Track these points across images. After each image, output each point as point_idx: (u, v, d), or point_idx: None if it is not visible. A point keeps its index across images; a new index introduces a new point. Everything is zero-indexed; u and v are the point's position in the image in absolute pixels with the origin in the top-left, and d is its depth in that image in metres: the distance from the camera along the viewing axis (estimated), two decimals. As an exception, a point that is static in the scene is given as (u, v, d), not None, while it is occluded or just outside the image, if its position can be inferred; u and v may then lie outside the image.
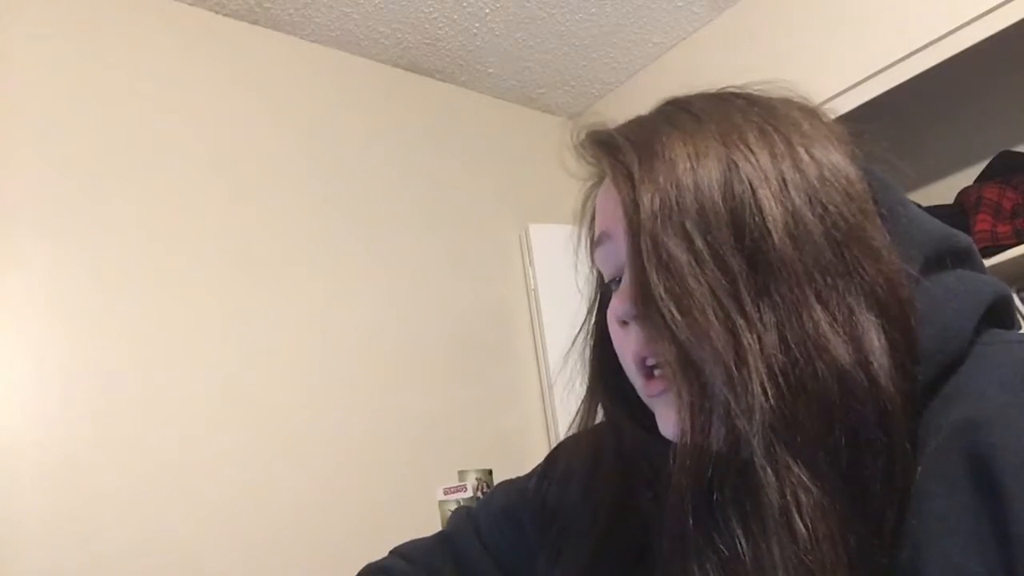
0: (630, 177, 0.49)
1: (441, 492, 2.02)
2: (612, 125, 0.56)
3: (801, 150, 0.49)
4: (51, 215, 1.65)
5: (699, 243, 0.46)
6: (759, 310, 0.45)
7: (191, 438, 1.69)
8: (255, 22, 2.10)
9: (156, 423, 1.66)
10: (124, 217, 1.75)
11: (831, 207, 0.46)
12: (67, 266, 1.65)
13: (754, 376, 0.43)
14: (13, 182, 1.63)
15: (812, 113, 0.53)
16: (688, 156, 0.48)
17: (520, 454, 2.17)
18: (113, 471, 1.58)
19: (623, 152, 0.51)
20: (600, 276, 0.59)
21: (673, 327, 0.46)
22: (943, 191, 2.14)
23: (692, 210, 0.46)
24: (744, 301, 0.45)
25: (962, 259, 0.50)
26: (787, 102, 0.53)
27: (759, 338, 0.44)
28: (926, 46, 1.85)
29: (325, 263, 2.04)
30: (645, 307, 0.48)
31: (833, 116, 0.56)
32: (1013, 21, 1.70)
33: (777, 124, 0.50)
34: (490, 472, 2.11)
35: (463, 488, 2.04)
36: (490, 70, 2.46)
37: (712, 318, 0.45)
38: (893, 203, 0.51)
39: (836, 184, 0.48)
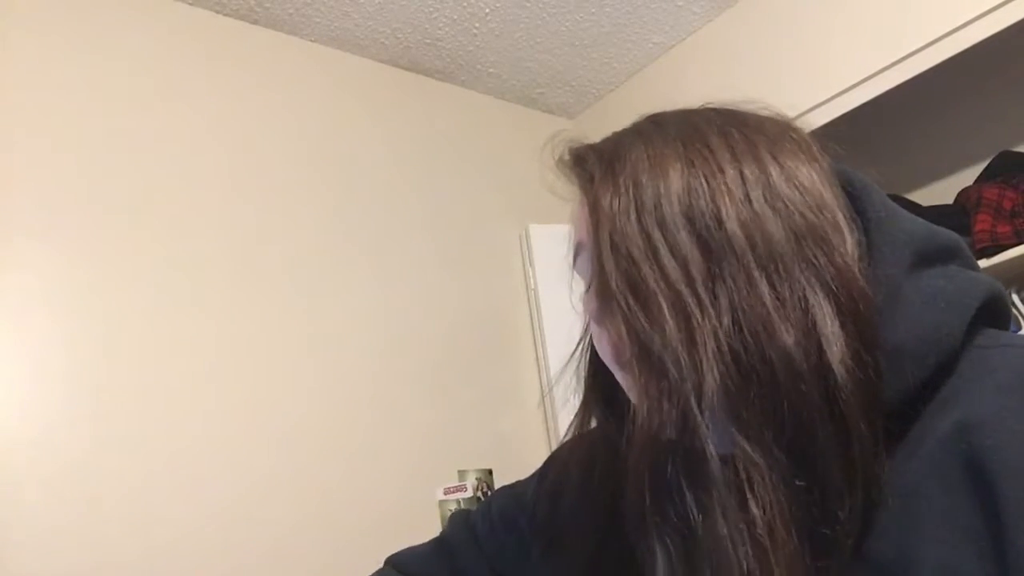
0: (591, 181, 0.52)
1: (441, 492, 2.02)
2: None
3: (763, 150, 0.50)
4: (51, 215, 1.65)
5: (655, 235, 0.48)
6: (714, 295, 0.46)
7: (190, 439, 1.69)
8: (255, 22, 2.10)
9: (156, 424, 1.66)
10: (124, 217, 1.74)
11: (788, 203, 0.48)
12: (67, 266, 1.65)
13: (703, 358, 0.45)
14: (13, 182, 1.63)
15: (780, 121, 0.55)
16: (648, 157, 0.51)
17: (520, 454, 2.17)
18: (113, 472, 1.58)
19: (588, 162, 0.54)
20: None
21: (628, 315, 0.48)
22: (943, 191, 2.14)
23: (649, 205, 0.49)
24: (697, 287, 0.47)
25: (951, 255, 0.50)
26: (756, 112, 0.55)
27: (711, 322, 0.46)
28: (927, 45, 1.85)
29: (325, 263, 2.04)
30: (605, 300, 0.50)
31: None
32: (1013, 21, 1.70)
33: (740, 126, 0.52)
34: (490, 472, 2.11)
35: (463, 488, 2.04)
36: (490, 70, 2.46)
37: (664, 304, 0.47)
38: (874, 205, 0.51)
39: (795, 182, 0.49)
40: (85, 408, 1.59)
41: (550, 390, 2.29)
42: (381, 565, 0.74)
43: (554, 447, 2.34)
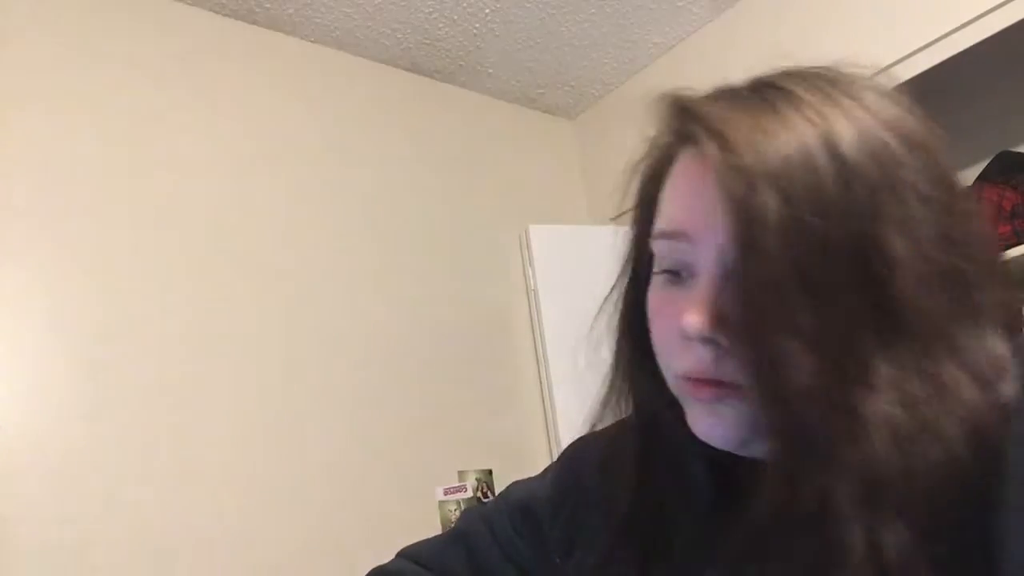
0: (742, 173, 0.41)
1: (441, 492, 2.02)
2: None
3: (918, 162, 0.43)
4: (50, 214, 1.65)
5: (814, 273, 0.40)
6: (880, 359, 0.40)
7: (190, 437, 1.69)
8: (255, 22, 2.10)
9: (155, 422, 1.66)
10: (124, 217, 1.74)
11: (954, 249, 0.42)
12: (67, 264, 1.65)
13: (866, 430, 0.39)
14: (13, 182, 1.63)
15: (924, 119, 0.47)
16: (806, 160, 0.41)
17: (520, 454, 2.17)
18: (111, 472, 1.58)
19: (735, 143, 0.42)
20: (638, 241, 0.54)
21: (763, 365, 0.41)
22: (943, 191, 2.14)
23: (814, 235, 0.40)
24: (864, 349, 0.40)
25: None
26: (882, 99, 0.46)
27: (877, 390, 0.39)
28: (926, 46, 1.85)
29: (324, 263, 2.04)
30: (745, 338, 0.42)
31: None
32: (1013, 21, 1.70)
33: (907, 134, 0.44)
34: (490, 472, 2.11)
35: (463, 488, 2.05)
36: (490, 70, 2.46)
37: (822, 361, 0.40)
38: None
39: (961, 208, 0.43)
40: (84, 404, 1.59)
41: (551, 384, 2.28)
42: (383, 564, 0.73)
43: (554, 447, 2.32)
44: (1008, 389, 0.41)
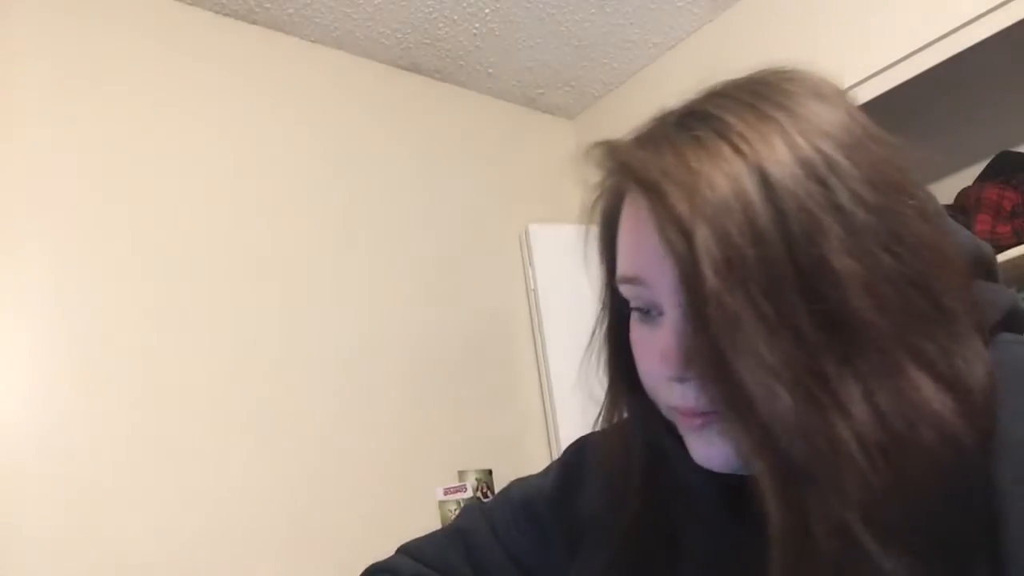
0: (677, 223, 0.41)
1: (441, 492, 2.02)
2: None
3: (853, 168, 0.42)
4: (52, 214, 1.65)
5: (764, 306, 0.40)
6: (843, 379, 0.40)
7: (191, 437, 1.69)
8: (255, 22, 2.10)
9: (157, 422, 1.66)
10: (125, 216, 1.74)
11: (904, 251, 0.41)
12: (68, 265, 1.65)
13: (848, 452, 0.39)
14: (13, 181, 1.63)
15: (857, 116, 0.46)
16: (737, 195, 0.41)
17: (520, 454, 2.17)
18: (113, 471, 1.58)
19: (667, 194, 0.42)
20: (609, 280, 0.54)
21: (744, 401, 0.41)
22: (943, 191, 2.14)
23: (757, 269, 0.40)
24: (826, 371, 0.40)
25: (988, 270, 0.50)
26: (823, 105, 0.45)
27: (847, 411, 0.39)
28: (926, 46, 1.85)
29: (325, 262, 2.04)
30: (716, 385, 0.42)
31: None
32: (1013, 21, 1.70)
33: (826, 134, 0.43)
34: (490, 472, 2.11)
35: (463, 488, 2.05)
36: (490, 70, 2.46)
37: (793, 390, 0.39)
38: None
39: (908, 210, 0.42)
40: (87, 405, 1.59)
41: (551, 384, 2.28)
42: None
43: (554, 447, 2.32)
44: (980, 390, 0.41)
